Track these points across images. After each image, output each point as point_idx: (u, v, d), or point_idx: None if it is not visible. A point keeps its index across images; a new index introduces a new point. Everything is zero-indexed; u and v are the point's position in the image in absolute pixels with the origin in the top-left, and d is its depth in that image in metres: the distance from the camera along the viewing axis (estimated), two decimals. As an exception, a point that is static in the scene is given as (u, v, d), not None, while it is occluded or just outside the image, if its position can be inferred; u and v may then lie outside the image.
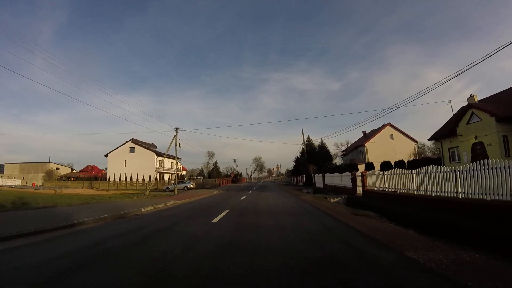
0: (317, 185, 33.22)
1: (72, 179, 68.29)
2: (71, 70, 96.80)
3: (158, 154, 59.77)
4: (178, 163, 71.62)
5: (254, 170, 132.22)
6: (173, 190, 32.84)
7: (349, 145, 61.35)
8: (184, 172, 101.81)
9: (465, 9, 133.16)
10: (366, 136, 53.86)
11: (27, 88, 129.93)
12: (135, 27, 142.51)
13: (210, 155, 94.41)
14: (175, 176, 61.14)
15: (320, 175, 32.20)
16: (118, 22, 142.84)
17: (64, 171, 76.80)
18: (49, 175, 69.18)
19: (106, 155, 64.06)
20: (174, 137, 33.55)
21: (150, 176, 57.46)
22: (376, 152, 44.95)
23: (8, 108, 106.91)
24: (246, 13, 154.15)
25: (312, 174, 39.86)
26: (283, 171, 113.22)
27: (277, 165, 64.93)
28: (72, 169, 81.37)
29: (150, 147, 62.57)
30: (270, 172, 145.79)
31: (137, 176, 58.75)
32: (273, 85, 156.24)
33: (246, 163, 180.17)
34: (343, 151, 60.75)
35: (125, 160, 61.34)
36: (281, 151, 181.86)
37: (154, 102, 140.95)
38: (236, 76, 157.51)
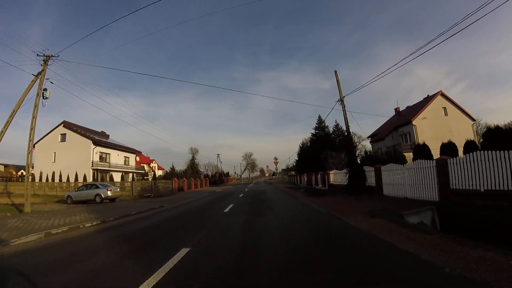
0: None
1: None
2: (63, 73, 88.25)
3: (98, 142, 40.51)
4: (136, 157, 52.45)
5: (245, 169, 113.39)
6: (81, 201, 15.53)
7: (378, 128, 43.10)
8: (160, 172, 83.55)
9: (453, 6, 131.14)
10: (412, 112, 35.68)
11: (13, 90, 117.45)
12: (126, 29, 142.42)
13: (194, 151, 75.94)
14: (133, 176, 42.26)
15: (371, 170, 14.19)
16: (109, 25, 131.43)
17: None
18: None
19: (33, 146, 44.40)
20: (37, 75, 15.00)
21: (84, 175, 38.40)
22: (427, 132, 31.11)
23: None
24: (237, 14, 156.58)
25: (328, 173, 21.92)
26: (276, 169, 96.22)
27: (275, 159, 45.92)
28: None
29: (88, 132, 43.18)
30: (262, 171, 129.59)
31: (67, 176, 39.18)
32: (265, 85, 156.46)
33: (237, 163, 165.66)
34: (369, 137, 42.50)
35: (54, 153, 41.96)
36: (276, 150, 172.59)
37: (146, 104, 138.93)
38: (229, 76, 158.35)
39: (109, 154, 43.50)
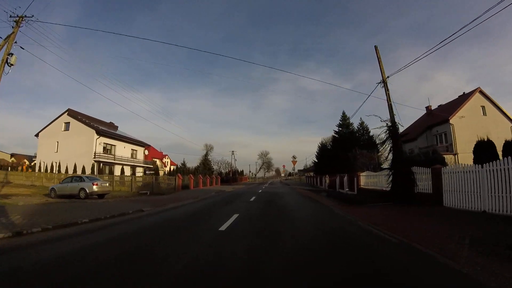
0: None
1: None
2: (83, 67, 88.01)
3: (102, 132, 37.60)
4: (145, 150, 49.49)
5: (260, 168, 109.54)
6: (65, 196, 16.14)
7: (407, 127, 38.19)
8: (171, 168, 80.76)
9: (474, 10, 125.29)
10: (447, 111, 31.36)
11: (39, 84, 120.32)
12: (146, 25, 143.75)
13: (208, 148, 72.95)
14: (133, 171, 39.16)
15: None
16: (129, 21, 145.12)
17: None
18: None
19: (37, 135, 42.27)
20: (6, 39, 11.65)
21: (83, 167, 35.52)
22: (465, 133, 27.28)
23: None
24: (257, 13, 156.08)
25: (357, 175, 17.86)
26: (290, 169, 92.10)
27: (294, 158, 41.52)
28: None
29: (93, 122, 40.39)
30: (278, 171, 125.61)
31: (67, 167, 36.40)
32: (283, 85, 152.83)
33: (252, 162, 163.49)
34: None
35: (57, 142, 39.42)
36: (291, 151, 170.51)
37: (164, 99, 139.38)
38: (247, 75, 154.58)
39: (114, 146, 40.57)
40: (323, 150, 41.73)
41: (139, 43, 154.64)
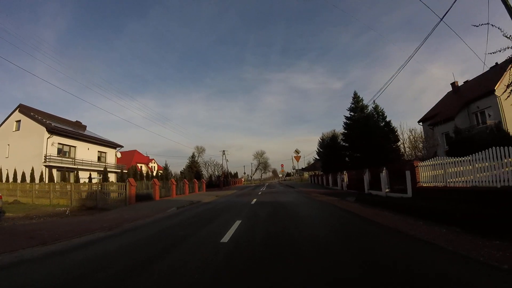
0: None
1: None
2: (74, 76, 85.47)
3: (55, 130, 30.01)
4: (117, 153, 41.85)
5: (256, 169, 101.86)
6: None
7: (432, 108, 31.15)
8: (159, 173, 73.04)
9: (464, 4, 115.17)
10: (479, 85, 25.01)
11: (30, 94, 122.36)
12: (137, 31, 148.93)
13: (200, 150, 65.79)
14: (88, 178, 31.52)
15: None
16: (120, 27, 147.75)
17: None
18: None
19: (-13, 138, 34.40)
20: None
21: (32, 173, 27.97)
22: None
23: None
24: (248, 14, 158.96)
25: (413, 166, 11.02)
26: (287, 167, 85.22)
27: (296, 152, 33.60)
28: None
29: (47, 118, 32.83)
30: (275, 172, 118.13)
31: (16, 173, 28.78)
32: (276, 85, 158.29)
33: (248, 163, 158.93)
34: (421, 120, 30.74)
35: (8, 145, 31.80)
36: (286, 151, 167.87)
37: (157, 105, 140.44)
38: (239, 77, 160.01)
39: (74, 147, 33.01)
40: (328, 145, 34.56)
41: (129, 50, 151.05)
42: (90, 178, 28.21)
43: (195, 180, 35.41)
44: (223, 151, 62.67)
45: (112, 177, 34.50)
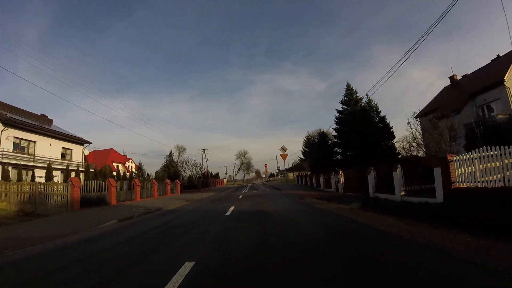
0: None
1: None
2: (54, 76, 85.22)
3: (10, 122, 25.45)
4: (84, 150, 37.41)
5: (239, 170, 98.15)
6: None
7: (429, 103, 28.75)
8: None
9: (445, 6, 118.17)
10: (477, 80, 23.52)
11: (10, 93, 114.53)
12: (122, 31, 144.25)
13: (180, 150, 61.54)
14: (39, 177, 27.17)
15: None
16: (104, 27, 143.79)
17: None
18: None
19: None
20: None
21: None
22: None
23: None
24: (233, 16, 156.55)
25: (446, 162, 8.35)
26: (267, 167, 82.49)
27: (283, 150, 29.79)
28: None
29: (3, 109, 28.27)
30: (258, 173, 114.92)
31: None
32: (260, 87, 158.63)
33: (231, 164, 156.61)
34: (418, 116, 28.42)
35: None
36: (271, 152, 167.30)
37: (142, 106, 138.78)
38: (224, 78, 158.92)
39: (33, 142, 28.70)
40: (321, 140, 31.63)
41: (114, 49, 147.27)
42: (48, 177, 24.07)
43: (167, 180, 31.64)
44: (203, 149, 58.80)
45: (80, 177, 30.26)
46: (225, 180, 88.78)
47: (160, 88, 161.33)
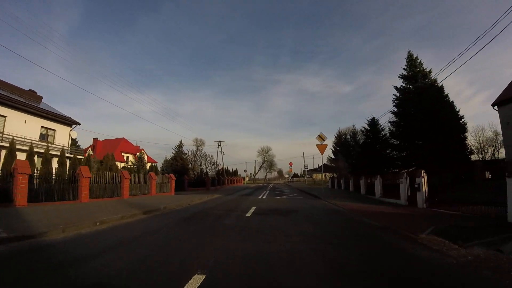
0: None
1: None
2: (84, 69, 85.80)
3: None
4: (71, 131, 31.19)
5: (260, 167, 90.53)
6: None
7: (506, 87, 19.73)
8: (148, 165, 63.17)
9: (476, 13, 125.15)
10: None
11: (40, 83, 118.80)
12: (148, 27, 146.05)
13: (198, 143, 55.48)
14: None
15: None
16: (131, 22, 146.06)
17: None
18: None
19: None
20: None
21: None
22: None
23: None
24: (258, 15, 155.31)
25: None
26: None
27: (321, 138, 20.70)
28: None
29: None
30: (281, 173, 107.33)
31: None
32: (285, 87, 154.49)
33: (251, 161, 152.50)
34: (495, 104, 19.44)
35: None
36: (292, 154, 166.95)
37: (165, 100, 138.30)
38: (248, 77, 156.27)
39: (4, 117, 22.93)
40: (372, 129, 22.97)
41: (140, 45, 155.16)
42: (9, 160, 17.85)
43: (171, 175, 24.79)
44: (219, 141, 51.51)
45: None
46: (244, 179, 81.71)
47: (184, 83, 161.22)
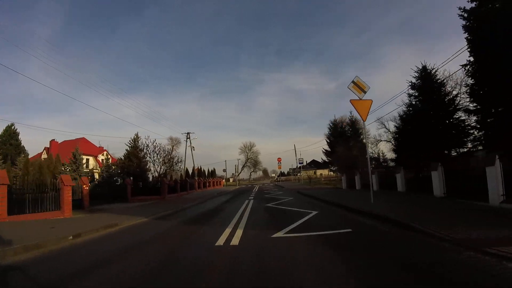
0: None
1: None
2: (69, 75, 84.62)
3: None
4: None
5: (243, 166, 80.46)
6: None
7: None
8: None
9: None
10: None
11: (24, 92, 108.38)
12: (133, 30, 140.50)
13: (174, 143, 47.56)
14: None
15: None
16: (115, 26, 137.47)
17: None
18: None
19: None
20: None
21: None
22: None
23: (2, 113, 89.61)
24: (244, 16, 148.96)
25: None
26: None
27: (359, 84, 10.98)
28: None
29: None
30: (265, 172, 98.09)
31: None
32: (271, 87, 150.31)
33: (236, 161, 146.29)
34: None
35: None
36: (280, 152, 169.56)
37: (153, 104, 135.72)
38: (234, 77, 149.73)
39: None
40: (424, 86, 13.96)
41: (125, 48, 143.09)
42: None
43: (62, 177, 15.20)
44: (187, 133, 41.78)
45: None
46: (228, 180, 71.86)
47: (170, 86, 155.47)
